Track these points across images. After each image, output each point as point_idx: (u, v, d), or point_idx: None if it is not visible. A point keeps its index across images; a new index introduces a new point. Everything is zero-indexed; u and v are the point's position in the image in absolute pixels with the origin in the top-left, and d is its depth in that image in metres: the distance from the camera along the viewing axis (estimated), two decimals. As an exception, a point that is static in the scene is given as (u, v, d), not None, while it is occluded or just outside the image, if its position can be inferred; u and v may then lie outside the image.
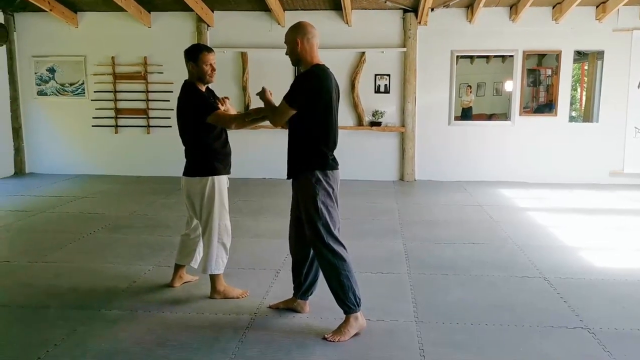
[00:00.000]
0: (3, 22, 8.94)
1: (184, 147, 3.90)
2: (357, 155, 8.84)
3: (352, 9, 8.39)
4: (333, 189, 3.35)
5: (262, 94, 3.49)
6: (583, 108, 9.45)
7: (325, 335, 3.32)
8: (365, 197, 7.65)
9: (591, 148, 8.72)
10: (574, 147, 8.74)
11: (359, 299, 3.34)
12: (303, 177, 3.32)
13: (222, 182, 3.86)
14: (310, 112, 3.26)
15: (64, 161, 9.45)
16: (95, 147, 9.40)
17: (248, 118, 3.65)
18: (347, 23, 8.66)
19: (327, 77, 3.30)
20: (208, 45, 8.56)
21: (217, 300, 3.90)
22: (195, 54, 3.77)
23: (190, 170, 3.86)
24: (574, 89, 9.31)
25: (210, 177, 3.80)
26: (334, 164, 3.37)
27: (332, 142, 3.35)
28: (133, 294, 4.07)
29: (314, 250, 3.37)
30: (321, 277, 3.49)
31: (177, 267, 4.20)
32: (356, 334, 3.34)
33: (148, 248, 5.20)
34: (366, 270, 4.53)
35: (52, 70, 9.29)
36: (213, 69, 3.81)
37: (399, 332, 3.46)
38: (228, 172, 3.94)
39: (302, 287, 3.64)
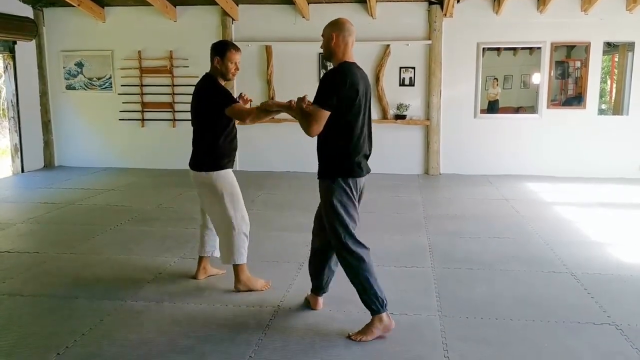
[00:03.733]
0: (32, 17, 9.09)
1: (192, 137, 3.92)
2: (382, 148, 8.72)
3: (376, 1, 8.33)
4: (353, 193, 3.24)
5: (300, 103, 3.27)
6: (613, 101, 9.25)
7: (350, 334, 3.30)
8: (390, 190, 7.61)
9: (620, 141, 8.54)
10: (603, 141, 8.57)
11: (382, 300, 3.26)
12: (323, 180, 3.27)
13: (229, 174, 3.89)
14: (334, 111, 3.14)
15: (91, 154, 9.59)
16: (122, 140, 9.53)
17: (262, 112, 3.60)
18: (372, 16, 8.60)
19: (352, 74, 3.16)
20: (233, 38, 8.62)
21: (240, 293, 3.93)
22: (224, 51, 3.80)
23: (197, 164, 3.88)
24: (603, 81, 9.12)
25: (216, 172, 3.83)
26: (359, 171, 3.24)
27: (358, 146, 3.21)
28: (159, 285, 4.13)
29: (335, 250, 3.35)
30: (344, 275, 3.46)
31: (201, 260, 4.25)
32: (381, 336, 3.27)
33: (173, 240, 5.26)
34: (390, 264, 4.52)
35: (80, 65, 9.43)
36: (237, 68, 3.86)
37: (422, 326, 3.45)
38: (231, 167, 3.95)
39: (315, 283, 3.62)
